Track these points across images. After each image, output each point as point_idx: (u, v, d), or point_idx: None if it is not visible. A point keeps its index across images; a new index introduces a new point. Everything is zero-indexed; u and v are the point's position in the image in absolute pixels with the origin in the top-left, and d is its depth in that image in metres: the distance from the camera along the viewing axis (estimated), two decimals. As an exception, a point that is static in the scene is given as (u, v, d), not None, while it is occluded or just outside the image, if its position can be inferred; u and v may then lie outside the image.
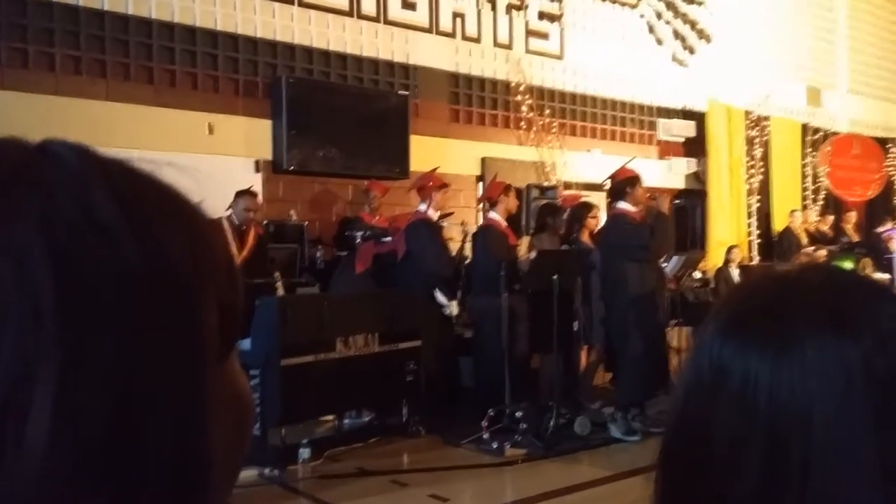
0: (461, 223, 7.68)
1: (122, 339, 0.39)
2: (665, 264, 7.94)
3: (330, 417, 6.37)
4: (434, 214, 6.89)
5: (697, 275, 9.95)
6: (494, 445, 5.90)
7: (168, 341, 0.41)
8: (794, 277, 0.71)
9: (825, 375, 0.63)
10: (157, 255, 0.42)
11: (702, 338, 0.71)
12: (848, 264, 9.38)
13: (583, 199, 8.13)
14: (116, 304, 0.40)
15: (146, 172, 0.45)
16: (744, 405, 0.65)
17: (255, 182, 7.78)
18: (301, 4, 8.21)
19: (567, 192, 9.35)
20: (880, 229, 11.90)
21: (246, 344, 5.40)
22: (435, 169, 7.36)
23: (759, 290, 0.71)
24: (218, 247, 0.47)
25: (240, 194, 6.87)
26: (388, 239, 7.14)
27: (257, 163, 7.91)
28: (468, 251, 7.40)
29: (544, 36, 10.23)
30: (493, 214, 6.93)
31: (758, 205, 12.21)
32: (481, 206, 7.91)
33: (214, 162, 7.43)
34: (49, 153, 0.43)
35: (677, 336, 8.61)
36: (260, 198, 7.40)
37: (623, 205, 6.69)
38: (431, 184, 6.89)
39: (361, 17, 8.62)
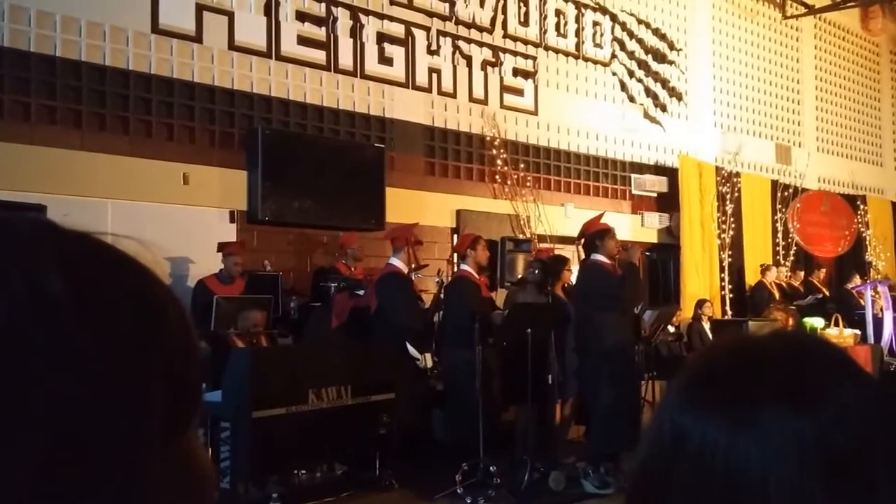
0: (437, 272, 7.67)
1: (55, 416, 0.40)
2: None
3: (302, 471, 6.25)
4: (404, 267, 6.90)
5: (671, 329, 10.00)
6: (468, 500, 5.82)
7: (108, 418, 0.41)
8: (757, 346, 0.71)
9: (781, 448, 0.63)
10: (103, 333, 0.42)
11: (665, 399, 0.71)
12: (819, 320, 9.47)
13: (556, 253, 8.17)
14: (55, 382, 0.40)
15: (105, 247, 0.46)
16: (701, 470, 0.65)
17: (230, 232, 7.77)
18: (278, 58, 8.31)
19: (542, 246, 9.40)
20: (851, 285, 12.06)
21: (217, 395, 5.32)
22: (415, 224, 7.40)
23: (723, 356, 0.72)
24: (173, 321, 0.47)
25: (229, 253, 7.18)
26: (362, 292, 7.12)
27: (232, 213, 7.89)
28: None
29: (519, 92, 10.40)
30: (464, 266, 6.94)
31: (730, 260, 12.34)
32: (455, 259, 7.93)
33: (189, 212, 7.42)
34: (5, 227, 0.43)
35: (650, 390, 8.62)
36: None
37: (597, 256, 6.74)
38: (410, 238, 6.93)
39: (338, 70, 8.73)
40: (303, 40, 8.51)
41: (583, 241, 6.97)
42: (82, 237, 0.46)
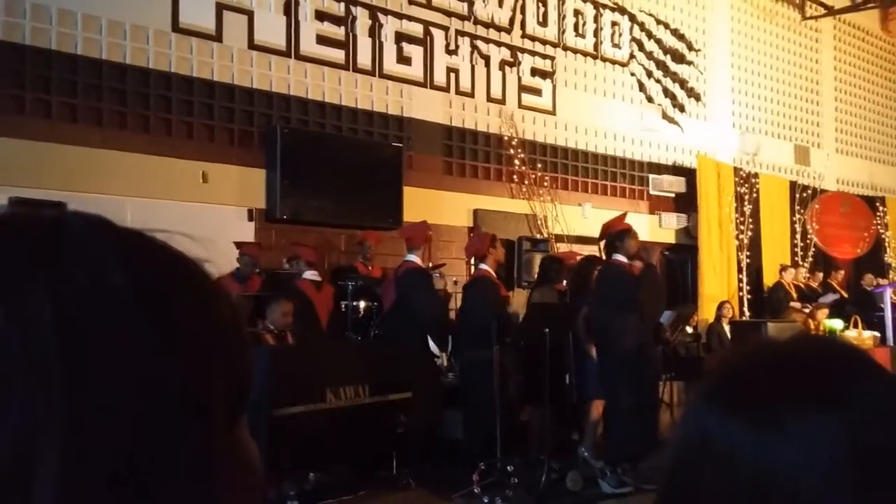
0: (441, 275, 7.70)
1: (127, 406, 0.40)
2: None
3: (318, 470, 6.26)
4: (422, 263, 6.91)
5: (689, 330, 9.95)
6: (486, 500, 5.80)
7: (175, 408, 0.42)
8: (780, 348, 0.71)
9: (808, 449, 0.63)
10: (167, 323, 0.43)
11: (692, 401, 0.71)
12: (838, 322, 9.40)
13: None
14: (124, 372, 0.40)
15: (160, 243, 0.47)
16: (728, 473, 0.65)
17: (248, 230, 7.80)
18: (297, 57, 8.33)
19: (560, 249, 9.37)
20: (870, 287, 11.97)
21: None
22: (424, 222, 7.41)
23: (746, 359, 0.72)
24: (227, 313, 0.48)
25: (243, 253, 7.18)
26: (352, 284, 7.14)
27: (250, 211, 7.93)
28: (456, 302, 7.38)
29: (537, 92, 10.38)
30: (483, 266, 6.94)
31: (748, 260, 12.27)
32: (472, 260, 7.92)
33: (208, 210, 7.45)
34: (64, 225, 0.44)
35: (669, 391, 8.59)
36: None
37: (618, 257, 6.73)
38: (428, 236, 6.96)
39: (357, 70, 8.75)
40: (322, 40, 8.53)
41: (604, 242, 6.95)
42: (136, 233, 0.46)
